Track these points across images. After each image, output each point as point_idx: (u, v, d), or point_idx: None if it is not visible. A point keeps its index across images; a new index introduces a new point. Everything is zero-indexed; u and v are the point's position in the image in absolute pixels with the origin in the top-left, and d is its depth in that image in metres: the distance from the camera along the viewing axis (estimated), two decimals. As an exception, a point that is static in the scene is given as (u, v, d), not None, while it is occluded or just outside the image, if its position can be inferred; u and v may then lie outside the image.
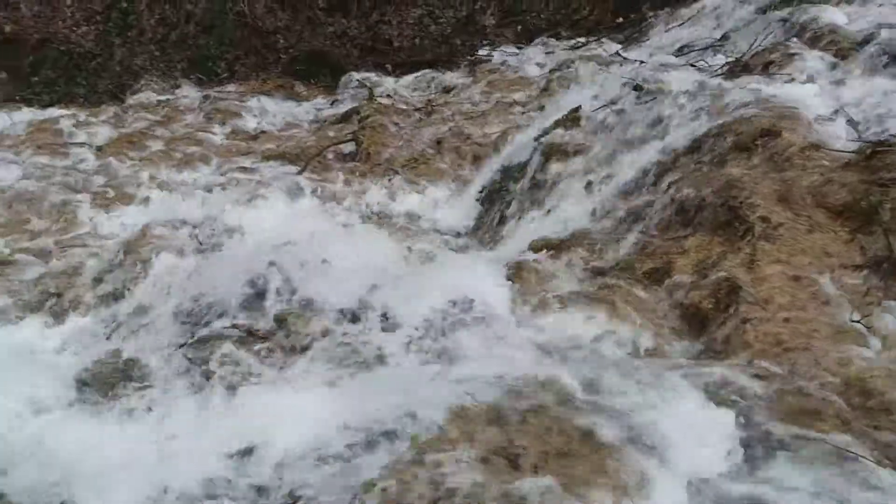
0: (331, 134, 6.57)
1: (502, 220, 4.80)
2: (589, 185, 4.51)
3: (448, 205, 5.22)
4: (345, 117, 6.79)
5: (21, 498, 3.03)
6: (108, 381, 3.80)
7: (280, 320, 3.89)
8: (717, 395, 2.65)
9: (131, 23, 8.10)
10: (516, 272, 4.00)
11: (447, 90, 6.66)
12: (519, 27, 7.02)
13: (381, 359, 3.66)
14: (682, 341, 3.56)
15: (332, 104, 7.10)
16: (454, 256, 4.63)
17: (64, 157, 6.41)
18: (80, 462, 3.25)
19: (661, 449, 2.48)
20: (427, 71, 7.07)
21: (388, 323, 3.89)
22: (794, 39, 4.98)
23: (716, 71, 4.99)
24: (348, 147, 6.27)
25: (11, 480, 3.18)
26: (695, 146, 4.15)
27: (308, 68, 7.70)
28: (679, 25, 6.78)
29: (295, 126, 6.81)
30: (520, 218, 4.64)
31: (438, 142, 5.88)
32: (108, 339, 4.27)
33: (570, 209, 4.41)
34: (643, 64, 5.47)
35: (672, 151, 4.23)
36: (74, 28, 8.25)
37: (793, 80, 4.44)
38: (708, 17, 6.78)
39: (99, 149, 6.52)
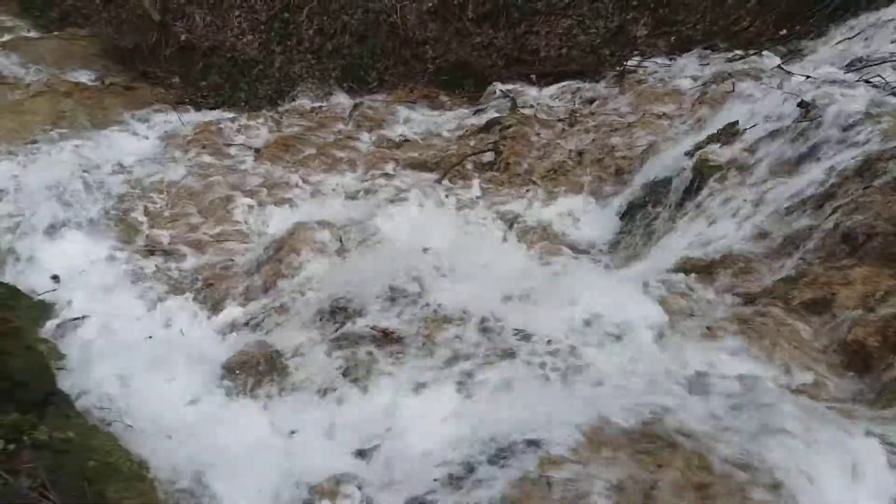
0: (471, 143, 6.61)
1: (644, 237, 4.60)
2: (742, 204, 4.22)
3: (587, 218, 5.07)
4: (486, 127, 6.80)
5: (166, 473, 3.24)
6: (251, 370, 3.99)
7: (414, 324, 3.94)
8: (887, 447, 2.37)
9: (291, 32, 8.59)
10: (658, 293, 3.80)
11: (592, 101, 6.51)
12: (672, 38, 6.73)
13: (510, 371, 3.60)
14: (840, 380, 3.24)
15: (474, 114, 7.13)
16: (591, 272, 4.49)
17: (225, 157, 6.87)
18: (219, 444, 3.44)
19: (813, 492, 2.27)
20: (572, 81, 6.94)
21: (519, 335, 3.82)
22: None
23: (893, 88, 4.52)
24: (488, 156, 6.27)
25: (159, 454, 3.41)
26: (865, 169, 3.78)
27: (453, 78, 7.80)
28: (851, 38, 6.25)
29: (437, 135, 6.91)
30: (664, 236, 4.42)
31: (580, 153, 5.75)
32: (254, 330, 4.50)
33: (720, 229, 4.14)
34: (808, 79, 5.06)
35: (838, 174, 3.87)
36: (240, 37, 8.88)
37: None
38: (885, 30, 6.20)
39: (256, 151, 6.93)
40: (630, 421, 2.68)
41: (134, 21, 9.76)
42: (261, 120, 7.64)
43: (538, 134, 6.22)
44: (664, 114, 5.68)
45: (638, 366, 3.33)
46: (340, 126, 7.22)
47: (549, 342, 3.63)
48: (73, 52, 9.77)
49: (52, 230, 5.68)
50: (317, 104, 7.84)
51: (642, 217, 4.73)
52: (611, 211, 5.04)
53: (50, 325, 4.46)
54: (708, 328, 3.51)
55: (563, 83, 7.04)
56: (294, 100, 8.02)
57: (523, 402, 3.22)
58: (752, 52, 6.28)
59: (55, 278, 5.00)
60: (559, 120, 6.40)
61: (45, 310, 4.61)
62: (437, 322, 3.90)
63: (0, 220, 5.73)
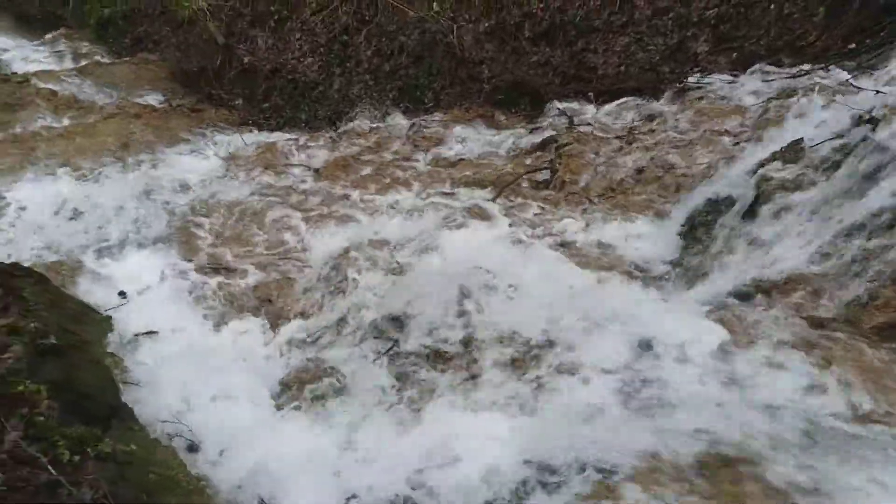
0: (527, 162, 6.58)
1: (706, 258, 4.47)
2: (808, 224, 4.07)
3: (646, 237, 4.96)
4: (542, 145, 6.76)
5: (224, 487, 3.30)
6: (308, 385, 4.05)
7: (468, 344, 3.93)
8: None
9: (350, 54, 8.76)
10: (721, 316, 3.69)
11: (651, 118, 6.39)
12: (734, 54, 6.57)
13: (564, 394, 3.55)
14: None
15: (530, 132, 7.11)
16: (650, 293, 4.39)
17: (285, 176, 7.02)
18: (275, 459, 3.48)
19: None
20: (631, 98, 6.84)
21: (574, 357, 3.77)
22: None
23: (969, 104, 4.30)
24: (543, 175, 6.24)
25: (218, 468, 3.47)
26: (938, 188, 3.60)
27: (509, 97, 7.79)
28: (925, 51, 6.00)
29: (492, 154, 6.91)
30: (726, 256, 4.29)
31: (639, 171, 5.65)
32: (311, 346, 4.56)
33: (785, 250, 4.00)
34: (878, 94, 4.86)
35: (909, 193, 3.69)
36: (301, 59, 9.09)
37: None
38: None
39: (315, 171, 7.06)
40: (692, 449, 2.60)
41: (200, 45, 10.11)
42: (320, 141, 7.79)
43: (595, 152, 6.15)
44: (726, 131, 5.54)
45: (700, 391, 3.23)
46: (397, 146, 7.30)
47: (606, 365, 3.56)
48: (143, 76, 10.18)
49: (121, 247, 5.90)
50: (374, 125, 7.95)
51: (704, 237, 4.61)
52: (671, 230, 4.92)
53: (116, 339, 4.60)
54: (771, 352, 3.39)
55: (621, 100, 6.94)
56: (352, 120, 8.14)
57: (579, 425, 3.17)
58: (818, 67, 6.08)
59: (122, 294, 5.16)
60: (617, 137, 6.31)
61: (112, 325, 4.76)
62: (490, 342, 3.88)
63: (72, 237, 5.98)
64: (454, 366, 3.83)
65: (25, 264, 5.03)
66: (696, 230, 4.72)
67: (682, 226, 4.87)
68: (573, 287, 4.39)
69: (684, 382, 3.31)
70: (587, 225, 5.35)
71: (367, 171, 6.86)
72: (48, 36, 12.07)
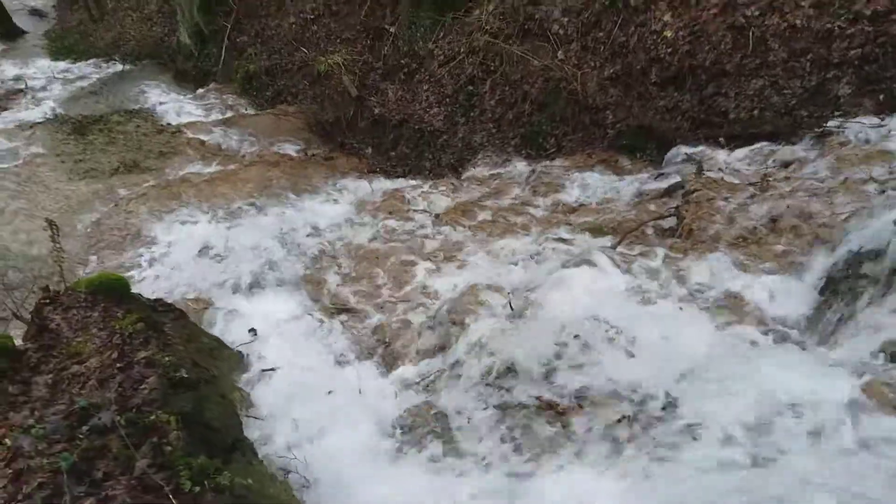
0: (651, 208, 6.38)
1: (847, 315, 4.09)
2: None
3: (779, 290, 4.62)
4: (668, 192, 6.55)
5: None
6: (419, 429, 4.05)
7: (581, 397, 3.80)
8: None
9: (474, 104, 8.96)
10: (865, 381, 3.35)
11: (787, 165, 6.03)
12: (881, 96, 6.10)
13: (688, 456, 3.34)
14: None
15: (655, 178, 6.91)
16: (783, 351, 4.07)
17: (408, 221, 7.21)
18: (382, 500, 3.49)
19: None
20: (764, 144, 6.49)
21: (694, 416, 3.54)
22: None
23: None
24: (669, 222, 6.01)
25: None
26: None
27: (634, 142, 7.64)
28: None
29: (614, 200, 6.77)
30: (870, 314, 3.91)
31: (773, 220, 5.31)
32: (424, 390, 4.59)
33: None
34: None
35: None
36: (428, 109, 9.41)
37: None
38: None
39: (436, 216, 7.21)
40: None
41: (335, 97, 10.71)
42: (442, 187, 7.96)
43: (725, 199, 5.86)
44: (871, 178, 5.12)
45: (836, 463, 2.93)
46: (517, 191, 7.32)
47: (730, 426, 3.32)
48: (282, 126, 10.89)
49: (254, 286, 6.26)
50: (495, 171, 8.03)
51: (845, 292, 4.22)
52: (808, 284, 4.56)
53: (244, 374, 4.84)
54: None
55: (754, 146, 6.61)
56: (474, 167, 8.28)
57: (701, 493, 2.96)
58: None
59: (252, 331, 5.44)
60: (749, 184, 5.99)
61: (241, 360, 5.02)
62: (605, 396, 3.73)
63: (211, 275, 6.41)
64: (566, 419, 3.71)
65: (168, 300, 5.43)
66: (836, 284, 4.33)
67: (820, 279, 4.50)
68: (696, 339, 4.16)
69: (817, 451, 3.02)
70: (715, 275, 5.07)
71: (486, 216, 6.91)
72: (200, 90, 13.26)
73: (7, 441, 3.03)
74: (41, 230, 6.86)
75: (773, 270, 4.85)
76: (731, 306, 4.61)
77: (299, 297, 6.01)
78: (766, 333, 4.26)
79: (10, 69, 15.63)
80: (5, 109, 12.70)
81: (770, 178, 5.91)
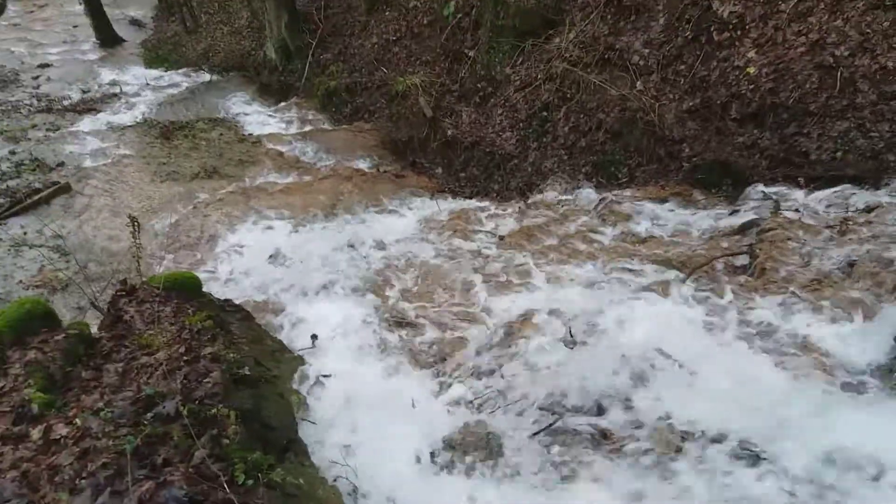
0: (724, 245, 6.23)
1: (927, 367, 3.90)
2: None
3: (853, 337, 4.43)
4: (742, 229, 6.37)
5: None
6: (468, 448, 4.04)
7: (637, 428, 3.72)
8: None
9: (547, 129, 8.96)
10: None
11: (869, 209, 5.80)
12: (976, 144, 5.83)
13: (748, 499, 3.22)
14: None
15: (729, 214, 6.73)
16: (854, 398, 3.89)
17: (472, 241, 7.25)
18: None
19: None
20: (846, 186, 6.26)
21: (761, 460, 3.42)
22: None
23: None
24: (741, 260, 5.85)
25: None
26: None
27: (709, 177, 7.48)
28: None
29: (685, 233, 6.62)
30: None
31: (851, 265, 5.11)
32: (477, 409, 4.57)
33: None
34: None
35: None
36: (500, 133, 9.47)
37: None
38: None
39: (500, 238, 7.22)
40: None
41: (410, 117, 10.90)
42: (508, 210, 7.98)
43: (802, 240, 5.68)
44: (960, 228, 4.89)
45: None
46: (584, 219, 7.26)
47: (797, 474, 3.19)
48: (357, 142, 11.14)
49: (319, 294, 6.39)
50: (563, 197, 7.99)
51: (925, 343, 4.03)
52: (884, 332, 4.34)
53: (302, 378, 4.93)
54: None
55: (835, 188, 6.38)
56: (542, 192, 8.26)
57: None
58: None
59: (314, 337, 5.55)
60: (828, 227, 5.79)
61: (301, 364, 5.12)
62: (661, 429, 3.64)
63: (279, 280, 6.59)
64: (620, 449, 3.64)
65: (237, 301, 5.61)
66: (917, 334, 4.14)
67: (899, 328, 4.30)
68: (762, 382, 4.02)
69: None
70: (786, 317, 4.90)
71: (551, 241, 6.87)
72: (282, 104, 13.73)
73: (77, 421, 3.18)
74: (123, 227, 7.23)
75: (848, 316, 4.65)
76: (802, 350, 4.45)
77: (361, 307, 6.10)
78: (837, 380, 4.09)
79: (107, 74, 16.58)
80: (100, 112, 13.44)
81: (850, 223, 5.69)
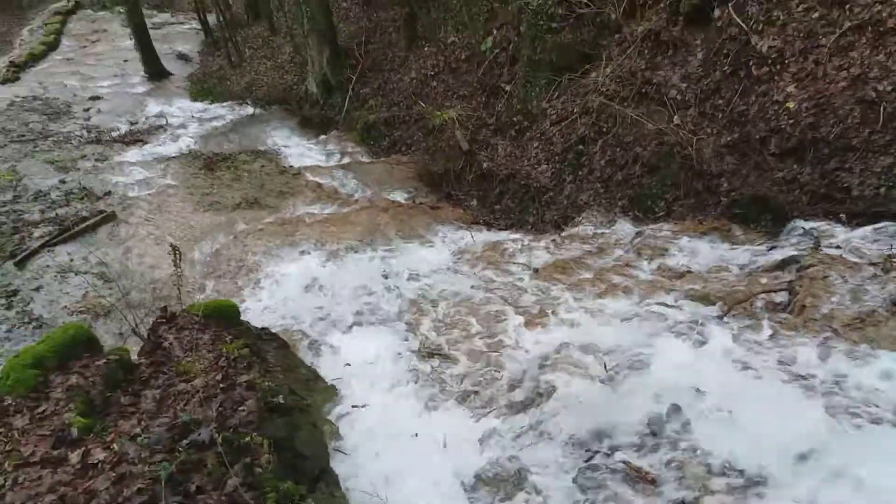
0: (763, 281, 6.12)
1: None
2: None
3: (898, 378, 4.30)
4: (781, 265, 6.26)
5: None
6: (500, 484, 4.00)
7: (671, 467, 3.65)
8: None
9: (583, 163, 8.97)
10: None
11: (916, 247, 5.68)
12: None
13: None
14: None
15: (769, 250, 6.63)
16: (898, 443, 3.76)
17: (506, 273, 7.25)
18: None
19: None
20: (889, 223, 6.12)
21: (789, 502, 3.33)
22: None
23: None
24: (780, 296, 5.74)
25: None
26: None
27: (748, 212, 7.38)
28: None
29: (724, 269, 6.53)
30: None
31: (895, 303, 4.99)
32: (510, 443, 4.53)
33: None
34: None
35: None
36: (535, 166, 9.52)
37: None
38: None
39: (535, 270, 7.20)
40: None
41: (446, 150, 11.04)
42: (543, 242, 7.97)
43: (843, 278, 5.56)
44: None
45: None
46: (620, 252, 7.21)
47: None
48: (395, 174, 11.30)
49: (354, 324, 6.45)
50: (599, 230, 7.96)
51: (975, 385, 3.90)
52: (931, 373, 4.23)
53: (335, 408, 4.96)
54: None
55: (878, 224, 6.25)
56: (577, 225, 8.24)
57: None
58: None
59: (347, 366, 5.59)
60: (871, 264, 5.66)
61: (334, 394, 5.16)
62: (697, 469, 3.57)
63: (315, 310, 6.67)
64: (655, 489, 3.57)
65: (273, 330, 5.69)
66: (965, 376, 4.01)
67: (948, 369, 4.17)
68: (801, 423, 3.92)
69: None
70: (828, 356, 4.78)
71: (585, 274, 6.84)
72: (322, 137, 14.02)
73: (115, 446, 3.25)
74: (165, 255, 7.40)
75: (891, 357, 4.52)
76: (842, 391, 4.33)
77: (395, 338, 6.13)
78: (877, 424, 3.96)
79: (154, 107, 17.14)
80: (147, 143, 13.87)
81: (893, 260, 5.56)
